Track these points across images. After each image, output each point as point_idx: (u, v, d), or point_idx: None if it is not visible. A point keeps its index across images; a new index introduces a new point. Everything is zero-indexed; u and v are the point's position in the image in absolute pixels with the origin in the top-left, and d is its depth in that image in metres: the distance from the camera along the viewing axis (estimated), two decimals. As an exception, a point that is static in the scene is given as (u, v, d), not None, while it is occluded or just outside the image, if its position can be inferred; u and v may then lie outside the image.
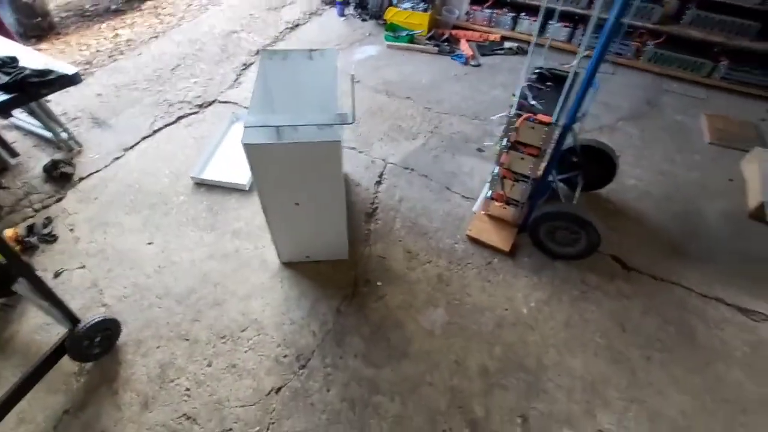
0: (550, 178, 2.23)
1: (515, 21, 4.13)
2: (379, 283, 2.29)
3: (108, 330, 1.95)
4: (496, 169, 2.29)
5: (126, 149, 2.97)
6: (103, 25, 4.27)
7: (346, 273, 2.33)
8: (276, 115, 2.06)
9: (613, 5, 1.55)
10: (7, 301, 2.12)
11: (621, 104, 3.51)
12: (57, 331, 2.03)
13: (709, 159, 3.06)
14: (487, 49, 4.10)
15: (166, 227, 2.52)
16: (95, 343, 1.90)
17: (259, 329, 2.10)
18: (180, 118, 3.23)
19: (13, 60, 1.41)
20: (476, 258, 2.42)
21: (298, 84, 2.23)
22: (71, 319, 1.81)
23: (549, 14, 4.04)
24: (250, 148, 1.63)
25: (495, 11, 4.15)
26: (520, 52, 4.07)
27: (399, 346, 2.05)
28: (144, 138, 3.05)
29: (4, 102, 1.30)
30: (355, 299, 2.22)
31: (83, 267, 2.31)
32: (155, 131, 3.11)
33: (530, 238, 2.41)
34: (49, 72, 1.39)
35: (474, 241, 2.48)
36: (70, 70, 1.43)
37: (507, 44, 4.12)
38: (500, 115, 2.45)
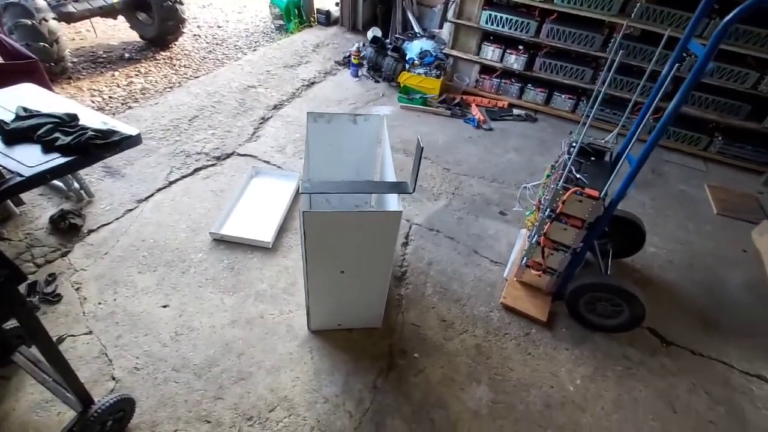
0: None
1: (522, 90, 4.37)
2: (416, 355, 2.15)
3: (121, 411, 1.71)
4: (535, 237, 2.28)
5: (140, 201, 2.82)
6: (116, 73, 4.25)
7: (380, 342, 2.19)
8: (332, 182, 2.01)
9: (678, 96, 1.62)
10: (1, 373, 1.86)
11: (629, 173, 3.65)
12: (58, 410, 1.78)
13: (719, 229, 3.17)
14: (497, 114, 4.28)
15: (184, 288, 2.34)
16: (106, 428, 1.66)
17: (290, 408, 1.90)
18: (197, 170, 3.14)
19: (74, 118, 1.33)
20: (513, 328, 2.33)
21: (340, 148, 2.22)
22: (83, 399, 1.58)
23: (555, 87, 4.29)
24: (308, 216, 1.55)
25: (503, 81, 4.39)
26: (528, 119, 4.26)
27: (444, 429, 1.88)
28: (159, 189, 2.93)
29: (65, 165, 1.20)
30: (392, 373, 2.07)
31: (90, 333, 2.09)
32: (171, 182, 3.00)
33: (567, 308, 2.36)
34: (112, 133, 1.31)
35: (509, 309, 2.41)
36: (132, 131, 1.36)
37: (515, 111, 4.32)
38: (534, 183, 2.49)
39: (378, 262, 1.84)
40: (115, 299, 2.24)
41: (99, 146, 1.26)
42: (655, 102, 1.91)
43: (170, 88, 4.09)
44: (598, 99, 1.85)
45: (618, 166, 1.91)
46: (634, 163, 1.83)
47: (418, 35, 5.06)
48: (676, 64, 1.75)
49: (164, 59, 4.60)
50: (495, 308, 2.42)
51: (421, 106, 4.24)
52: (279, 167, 3.26)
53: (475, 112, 4.22)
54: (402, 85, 4.38)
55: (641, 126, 2.01)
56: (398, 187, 1.67)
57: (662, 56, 1.92)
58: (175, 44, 4.84)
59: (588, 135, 2.34)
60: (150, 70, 4.37)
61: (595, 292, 2.21)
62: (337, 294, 1.97)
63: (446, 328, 2.30)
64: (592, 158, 2.18)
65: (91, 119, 1.37)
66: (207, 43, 5.09)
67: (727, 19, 1.46)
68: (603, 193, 1.95)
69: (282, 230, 2.72)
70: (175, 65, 4.51)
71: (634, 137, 2.01)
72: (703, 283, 2.72)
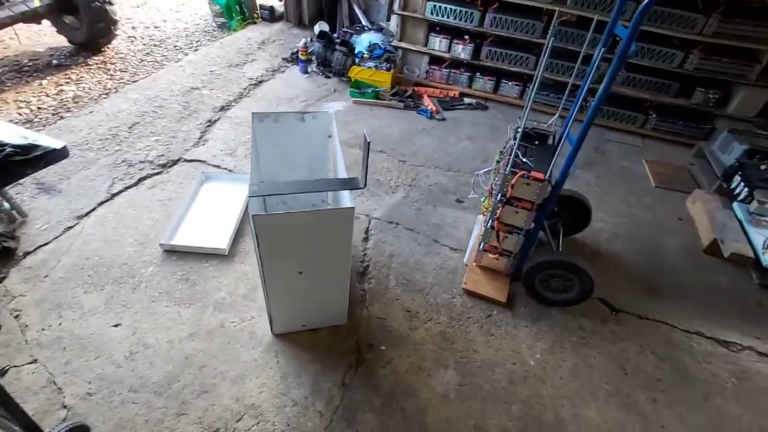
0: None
1: (471, 79, 4.46)
2: (383, 347, 2.18)
3: (75, 440, 1.62)
4: (489, 222, 2.35)
5: (80, 217, 2.65)
6: (44, 81, 3.95)
7: (346, 339, 2.19)
8: (282, 183, 1.97)
9: (606, 78, 1.70)
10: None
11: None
12: (2, 449, 1.65)
13: (658, 200, 3.41)
14: (448, 104, 4.36)
15: (135, 304, 2.23)
16: (59, 460, 1.56)
17: (258, 416, 1.86)
18: (142, 179, 2.98)
19: (-14, 135, 1.22)
20: (475, 311, 2.40)
21: (290, 147, 2.18)
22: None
23: (502, 74, 4.40)
24: (259, 219, 1.52)
25: (452, 71, 4.46)
26: (479, 107, 4.37)
27: (415, 416, 1.92)
28: (101, 203, 2.76)
29: (-21, 185, 1.11)
30: (360, 368, 2.08)
31: (35, 361, 1.95)
32: (114, 195, 2.83)
33: (524, 287, 2.46)
34: (34, 147, 1.22)
35: (470, 293, 2.48)
36: (57, 144, 1.27)
37: (466, 100, 4.41)
38: (486, 170, 2.56)
39: (336, 260, 1.84)
40: (60, 323, 2.10)
41: (19, 163, 1.17)
42: (587, 84, 2.01)
43: (106, 94, 3.84)
44: (536, 84, 1.92)
45: (559, 148, 2.00)
46: (574, 143, 1.92)
47: (366, 28, 5.04)
48: (603, 48, 1.84)
49: (97, 64, 4.32)
50: (457, 294, 2.49)
51: (374, 100, 4.24)
52: (230, 171, 3.16)
53: (428, 103, 4.27)
54: (353, 80, 4.36)
55: (577, 107, 2.10)
56: (349, 183, 1.67)
57: (596, 41, 2.01)
58: (108, 47, 4.55)
59: (534, 120, 2.44)
60: (82, 77, 4.09)
61: (547, 270, 2.31)
62: (297, 295, 1.95)
63: (411, 318, 2.33)
64: (536, 142, 2.27)
65: (10, 134, 1.27)
66: (144, 44, 4.83)
67: (644, 4, 1.56)
68: (548, 175, 2.03)
69: (238, 235, 2.65)
70: (109, 70, 4.24)
71: (572, 118, 2.11)
72: (645, 251, 2.91)
